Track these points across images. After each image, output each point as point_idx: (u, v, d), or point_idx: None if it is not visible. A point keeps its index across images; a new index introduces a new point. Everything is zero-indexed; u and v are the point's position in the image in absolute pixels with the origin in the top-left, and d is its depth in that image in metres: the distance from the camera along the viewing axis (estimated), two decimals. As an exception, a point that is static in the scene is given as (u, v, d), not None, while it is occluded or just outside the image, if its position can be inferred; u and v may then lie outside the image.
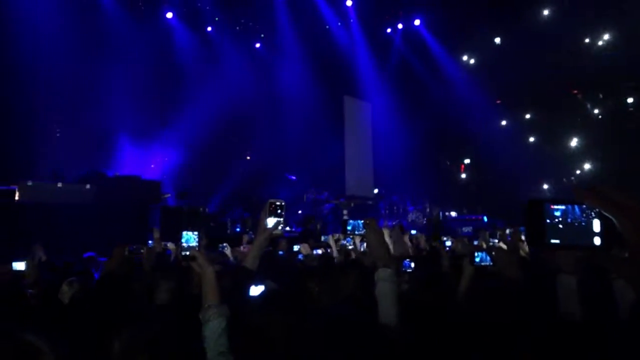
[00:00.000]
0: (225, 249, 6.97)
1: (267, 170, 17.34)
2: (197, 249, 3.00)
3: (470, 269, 3.88)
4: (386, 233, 6.01)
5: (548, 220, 1.30)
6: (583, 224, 1.29)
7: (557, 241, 1.30)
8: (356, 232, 4.20)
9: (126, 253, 5.04)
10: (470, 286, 3.74)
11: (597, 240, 1.28)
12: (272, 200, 3.00)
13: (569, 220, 1.30)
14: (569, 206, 1.31)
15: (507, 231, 5.98)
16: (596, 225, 1.28)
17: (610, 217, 1.22)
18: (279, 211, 3.01)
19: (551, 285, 2.94)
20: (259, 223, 3.04)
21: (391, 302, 2.85)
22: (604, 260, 1.30)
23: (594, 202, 1.24)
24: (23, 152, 12.81)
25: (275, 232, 3.02)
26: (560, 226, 1.30)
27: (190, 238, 3.18)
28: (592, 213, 1.29)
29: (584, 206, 1.30)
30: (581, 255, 1.35)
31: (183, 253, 3.01)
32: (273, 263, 6.35)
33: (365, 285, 3.40)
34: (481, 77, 18.04)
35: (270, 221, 2.99)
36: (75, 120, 14.05)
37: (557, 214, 1.30)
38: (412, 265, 4.88)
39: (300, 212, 16.53)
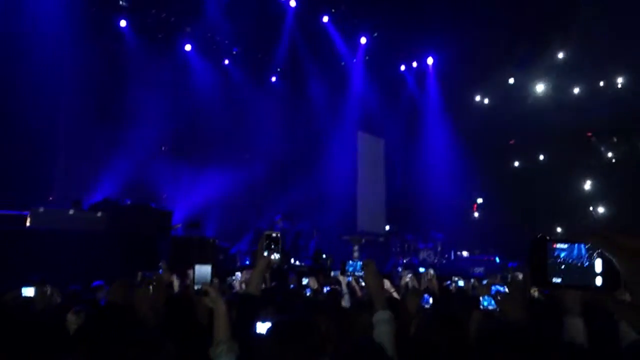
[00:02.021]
0: (234, 281, 6.94)
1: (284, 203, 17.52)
2: (209, 283, 3.07)
3: (478, 313, 3.90)
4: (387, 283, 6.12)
5: (550, 259, 1.31)
6: (585, 264, 1.29)
7: (559, 281, 1.30)
8: (355, 273, 4.18)
9: (139, 279, 5.10)
10: (477, 328, 3.75)
11: (598, 281, 1.27)
12: (268, 232, 3.11)
13: (571, 260, 1.30)
14: (572, 245, 1.30)
15: (519, 274, 5.92)
16: (598, 266, 1.27)
17: (611, 258, 1.22)
18: (275, 243, 3.10)
19: (559, 327, 2.93)
20: (257, 253, 3.16)
21: (390, 344, 2.89)
22: (605, 302, 1.31)
23: (597, 243, 1.24)
24: (38, 177, 13.03)
25: (273, 261, 3.10)
26: (563, 266, 1.30)
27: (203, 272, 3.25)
28: (595, 253, 1.28)
29: (587, 246, 1.29)
30: (584, 296, 1.36)
31: (196, 287, 3.12)
32: (282, 296, 6.42)
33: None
34: (495, 117, 18.16)
35: (266, 252, 3.12)
36: (91, 147, 14.31)
37: (560, 253, 1.31)
38: (431, 300, 4.90)
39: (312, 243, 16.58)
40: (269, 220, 16.06)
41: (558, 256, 1.30)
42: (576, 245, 1.30)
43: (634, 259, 1.19)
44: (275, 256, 3.10)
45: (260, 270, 3.15)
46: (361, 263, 3.92)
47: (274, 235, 3.10)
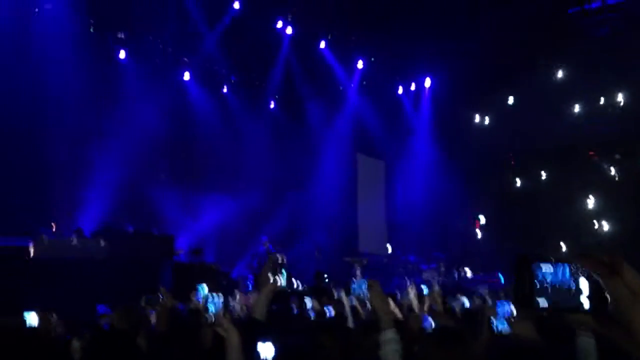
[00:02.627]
0: (234, 303, 6.92)
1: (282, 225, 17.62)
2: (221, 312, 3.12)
3: (488, 333, 3.86)
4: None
5: (535, 280, 1.25)
6: (572, 286, 1.23)
7: (545, 303, 1.24)
8: (361, 293, 4.09)
9: (142, 304, 5.06)
10: (488, 350, 3.72)
11: (586, 304, 1.23)
12: (273, 256, 3.20)
13: (557, 281, 1.24)
14: (558, 265, 1.25)
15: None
16: (585, 288, 1.23)
17: (599, 279, 1.20)
18: (281, 266, 3.13)
19: (571, 346, 2.93)
20: (262, 277, 3.16)
21: None
22: (594, 324, 1.25)
23: (585, 263, 1.21)
24: (38, 201, 13.17)
25: (278, 286, 3.15)
26: (549, 287, 1.24)
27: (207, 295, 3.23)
28: (581, 274, 1.24)
29: (573, 266, 1.25)
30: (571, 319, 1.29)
31: (208, 318, 3.12)
32: (285, 321, 6.48)
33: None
34: (494, 136, 18.31)
35: (272, 277, 3.13)
36: (90, 172, 14.39)
37: (546, 273, 1.25)
38: (433, 323, 4.82)
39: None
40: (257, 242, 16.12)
41: (544, 277, 1.24)
42: (562, 265, 1.25)
43: (618, 280, 1.16)
44: (281, 281, 3.11)
45: (266, 295, 3.16)
46: (365, 284, 3.88)
47: (279, 260, 3.15)
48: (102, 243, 11.59)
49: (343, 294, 7.47)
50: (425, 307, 6.66)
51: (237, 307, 7.05)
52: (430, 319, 4.97)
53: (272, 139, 18.10)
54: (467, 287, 15.28)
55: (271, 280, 3.15)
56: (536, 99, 17.10)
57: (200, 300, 6.25)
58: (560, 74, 17.68)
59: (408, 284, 15.95)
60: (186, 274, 12.41)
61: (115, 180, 14.31)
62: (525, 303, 1.25)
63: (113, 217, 13.88)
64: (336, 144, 18.31)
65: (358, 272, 15.14)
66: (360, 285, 3.94)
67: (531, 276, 1.24)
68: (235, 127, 17.59)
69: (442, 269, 17.17)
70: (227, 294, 11.51)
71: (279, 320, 6.03)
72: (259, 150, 17.56)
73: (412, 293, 7.26)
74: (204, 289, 6.37)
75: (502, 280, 16.01)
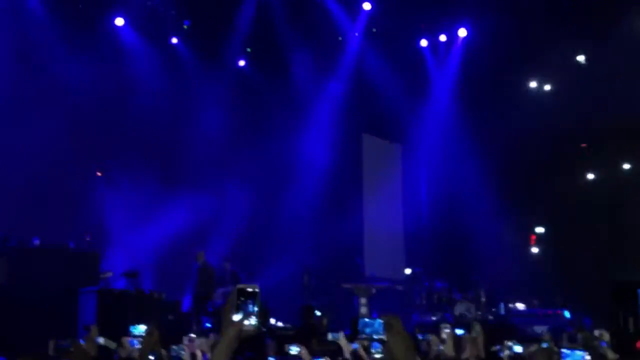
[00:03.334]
0: (183, 354, 6.97)
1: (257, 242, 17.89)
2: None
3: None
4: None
5: None
6: None
7: None
8: (374, 335, 4.23)
9: (51, 352, 5.29)
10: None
11: None
12: (240, 286, 3.05)
13: None
14: None
15: (597, 333, 5.94)
16: None
17: None
18: (251, 300, 3.04)
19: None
20: (223, 315, 3.10)
21: None
22: None
23: None
24: None
25: (246, 328, 3.03)
26: None
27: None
28: None
29: None
30: None
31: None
32: None
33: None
34: (558, 111, 18.20)
35: (238, 315, 3.04)
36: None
37: None
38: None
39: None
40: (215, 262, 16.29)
41: None
42: None
43: None
44: (251, 322, 3.04)
45: (228, 342, 3.06)
46: (380, 322, 3.99)
47: (249, 290, 3.03)
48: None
49: (341, 337, 7.39)
50: (463, 358, 6.68)
51: (186, 356, 6.98)
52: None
53: (241, 111, 18.35)
54: (518, 326, 15.55)
55: (236, 319, 3.04)
56: (617, 57, 16.82)
57: (135, 345, 6.38)
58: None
59: (434, 321, 16.28)
60: (116, 307, 12.47)
61: (20, 172, 14.46)
62: (627, 347, 1.24)
63: (13, 225, 13.84)
64: (333, 119, 18.49)
65: (363, 305, 15.68)
66: (373, 325, 4.11)
67: (636, 309, 1.23)
68: (188, 94, 17.86)
69: (483, 299, 17.32)
70: (176, 332, 11.70)
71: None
72: (222, 127, 17.76)
73: (443, 335, 7.26)
74: (140, 330, 6.46)
75: (568, 316, 16.13)
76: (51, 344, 4.90)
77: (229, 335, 3.05)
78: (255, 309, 3.03)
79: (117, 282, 14.72)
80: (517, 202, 18.85)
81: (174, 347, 7.03)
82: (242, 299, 3.03)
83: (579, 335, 7.71)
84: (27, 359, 4.54)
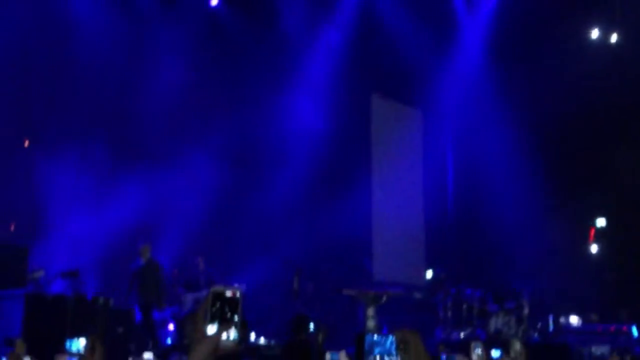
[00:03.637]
0: None
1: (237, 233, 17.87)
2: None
3: None
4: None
5: None
6: None
7: None
8: (385, 357, 4.04)
9: None
10: None
11: None
12: (216, 289, 2.81)
13: None
14: None
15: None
16: None
17: None
18: (232, 307, 2.81)
19: None
20: (194, 325, 2.88)
21: None
22: None
23: None
24: None
25: (225, 343, 2.77)
26: None
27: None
28: None
29: None
30: None
31: None
32: None
33: None
34: (628, 68, 17.98)
35: (213, 326, 2.79)
36: None
37: None
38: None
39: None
40: (184, 263, 16.53)
41: None
42: None
43: None
44: (231, 335, 2.77)
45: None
46: (393, 339, 3.90)
47: (228, 294, 2.79)
48: None
49: (343, 358, 6.80)
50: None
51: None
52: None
53: (213, 66, 18.11)
54: (571, 347, 15.40)
55: (211, 332, 2.72)
56: None
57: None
58: None
59: (463, 338, 15.68)
60: (49, 315, 12.46)
61: None
62: None
63: None
64: (332, 74, 18.18)
65: (370, 317, 15.10)
66: (384, 343, 4.00)
67: None
68: (145, 42, 17.62)
69: (526, 312, 16.88)
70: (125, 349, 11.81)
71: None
72: (189, 87, 17.56)
73: (474, 357, 6.44)
74: (78, 345, 6.03)
75: (636, 334, 15.87)
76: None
77: (201, 352, 2.81)
78: (236, 318, 2.79)
79: (52, 284, 14.56)
80: (570, 186, 18.82)
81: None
82: (219, 305, 2.80)
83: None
84: None
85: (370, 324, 14.86)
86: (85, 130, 17.01)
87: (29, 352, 6.75)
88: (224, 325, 2.73)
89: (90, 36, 16.87)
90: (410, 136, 19.53)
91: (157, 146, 17.55)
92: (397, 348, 3.39)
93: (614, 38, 18.88)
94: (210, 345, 2.78)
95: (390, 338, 3.95)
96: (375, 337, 3.98)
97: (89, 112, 17.23)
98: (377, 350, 3.98)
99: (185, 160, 17.46)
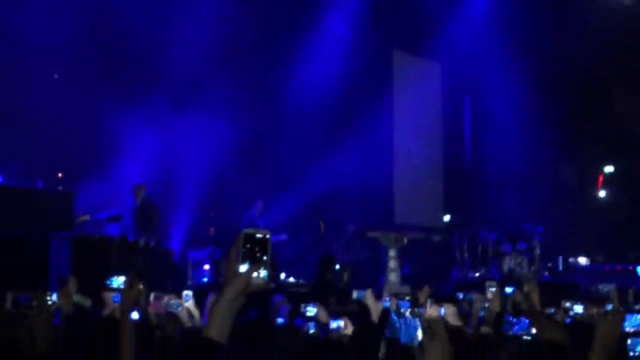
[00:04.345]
0: (180, 307, 7.15)
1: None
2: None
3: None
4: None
5: None
6: None
7: None
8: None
9: (8, 306, 5.16)
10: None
11: None
12: (248, 231, 2.96)
13: None
14: None
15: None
16: None
17: None
18: (262, 248, 2.94)
19: None
20: (228, 265, 2.97)
21: None
22: None
23: None
24: None
25: (255, 281, 2.93)
26: None
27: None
28: None
29: None
30: None
31: None
32: (265, 340, 6.54)
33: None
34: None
35: (245, 266, 2.93)
36: None
37: None
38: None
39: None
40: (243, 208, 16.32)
41: None
42: None
43: None
44: (261, 274, 2.91)
45: (230, 296, 2.97)
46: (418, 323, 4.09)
47: (259, 236, 2.94)
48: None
49: (369, 295, 7.29)
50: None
51: (185, 311, 7.20)
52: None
53: (243, 28, 18.15)
54: (579, 285, 15.97)
55: (243, 270, 2.91)
56: None
57: (118, 301, 6.21)
58: None
59: (478, 277, 16.41)
60: (95, 256, 12.68)
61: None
62: None
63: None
64: (356, 31, 18.41)
65: (392, 259, 15.95)
66: (406, 327, 4.04)
67: None
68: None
69: (537, 252, 17.43)
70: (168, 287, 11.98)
71: (252, 341, 6.07)
72: (223, 44, 17.64)
73: (489, 295, 7.28)
74: (119, 282, 6.55)
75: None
76: (9, 296, 4.90)
77: (234, 290, 2.97)
78: (265, 258, 2.90)
79: (98, 227, 14.90)
80: (579, 134, 19.18)
81: (172, 301, 7.19)
82: (250, 246, 2.92)
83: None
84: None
85: (392, 264, 15.68)
86: (117, 78, 17.22)
87: (77, 290, 6.76)
88: (255, 264, 2.87)
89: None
90: (430, 87, 19.65)
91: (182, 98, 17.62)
92: (423, 333, 3.23)
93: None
94: (242, 283, 2.95)
95: (415, 323, 4.37)
96: (395, 319, 4.28)
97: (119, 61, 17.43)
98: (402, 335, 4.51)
99: (206, 111, 17.39)
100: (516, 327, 5.66)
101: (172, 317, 6.94)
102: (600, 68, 18.58)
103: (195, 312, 7.39)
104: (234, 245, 2.94)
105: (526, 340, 6.18)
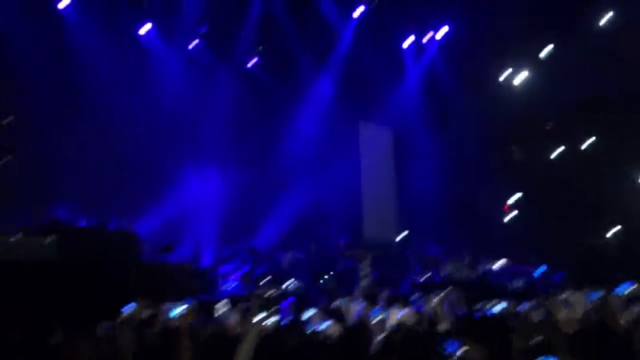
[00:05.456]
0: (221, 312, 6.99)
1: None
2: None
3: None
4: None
5: None
6: None
7: None
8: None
9: (102, 332, 5.15)
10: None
11: None
12: (259, 293, 3.17)
13: None
14: None
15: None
16: None
17: None
18: (270, 304, 3.11)
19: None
20: (246, 320, 3.40)
21: None
22: None
23: None
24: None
25: (266, 329, 3.26)
26: None
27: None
28: None
29: None
30: None
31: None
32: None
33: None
34: (528, 96, 18.54)
35: (259, 316, 3.14)
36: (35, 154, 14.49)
37: None
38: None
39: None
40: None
41: None
42: None
43: None
44: (272, 319, 3.36)
45: (250, 342, 3.14)
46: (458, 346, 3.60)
47: (267, 294, 3.14)
48: (49, 239, 11.48)
49: (346, 302, 7.75)
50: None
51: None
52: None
53: (254, 105, 18.47)
54: (497, 282, 16.26)
55: (258, 318, 3.14)
56: (580, 50, 17.01)
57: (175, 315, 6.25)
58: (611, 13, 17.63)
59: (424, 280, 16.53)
60: (153, 279, 12.29)
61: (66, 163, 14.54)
62: None
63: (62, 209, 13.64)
64: (333, 111, 18.65)
65: (364, 269, 15.98)
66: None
67: None
68: (203, 90, 17.69)
69: (467, 260, 17.62)
70: (201, 297, 11.56)
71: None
72: (239, 119, 17.84)
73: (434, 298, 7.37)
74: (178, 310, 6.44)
75: (537, 274, 16.73)
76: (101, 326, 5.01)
77: (251, 336, 3.15)
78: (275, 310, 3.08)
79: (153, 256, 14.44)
80: (493, 175, 19.17)
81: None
82: (262, 304, 3.10)
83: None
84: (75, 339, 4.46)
85: (363, 274, 15.64)
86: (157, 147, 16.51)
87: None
88: (267, 315, 3.14)
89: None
90: (384, 144, 19.91)
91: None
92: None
93: (517, 81, 19.23)
94: (256, 331, 3.05)
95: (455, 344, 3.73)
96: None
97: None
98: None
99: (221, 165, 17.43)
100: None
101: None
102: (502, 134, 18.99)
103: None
104: (252, 304, 3.29)
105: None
